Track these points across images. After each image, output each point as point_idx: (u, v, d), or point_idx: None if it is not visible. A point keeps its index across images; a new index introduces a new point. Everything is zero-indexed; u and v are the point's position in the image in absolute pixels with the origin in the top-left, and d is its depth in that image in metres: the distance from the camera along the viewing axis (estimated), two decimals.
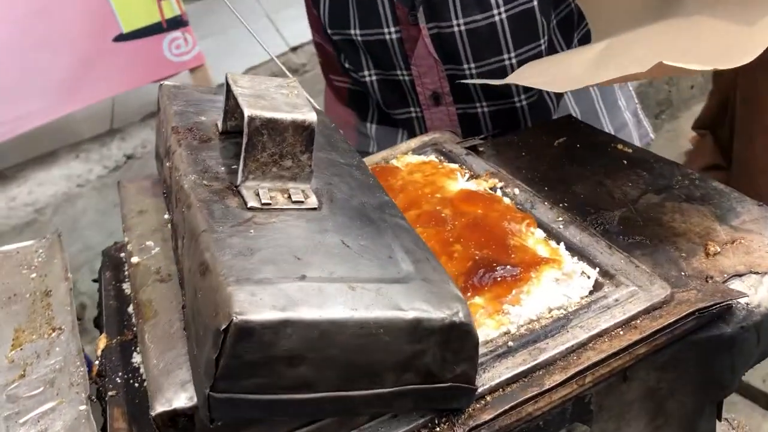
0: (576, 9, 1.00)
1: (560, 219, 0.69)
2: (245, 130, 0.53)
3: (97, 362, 0.65)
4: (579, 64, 0.79)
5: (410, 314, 0.47)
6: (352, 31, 0.97)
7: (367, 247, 0.52)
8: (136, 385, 0.61)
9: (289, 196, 0.54)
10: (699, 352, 0.58)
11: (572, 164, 0.83)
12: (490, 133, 0.93)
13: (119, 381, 0.62)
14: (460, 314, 0.49)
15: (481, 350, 0.55)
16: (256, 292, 0.44)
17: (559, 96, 1.05)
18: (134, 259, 0.61)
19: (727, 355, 0.58)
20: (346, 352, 0.46)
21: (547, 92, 1.03)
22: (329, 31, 1.01)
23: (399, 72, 1.00)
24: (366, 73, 1.02)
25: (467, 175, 0.79)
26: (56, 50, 2.11)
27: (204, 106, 0.67)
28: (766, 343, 0.60)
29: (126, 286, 0.74)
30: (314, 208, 0.54)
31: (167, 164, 0.61)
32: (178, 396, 0.47)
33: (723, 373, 0.60)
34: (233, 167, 0.57)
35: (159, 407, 0.46)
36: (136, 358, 0.64)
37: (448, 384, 0.50)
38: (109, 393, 0.60)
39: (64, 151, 2.26)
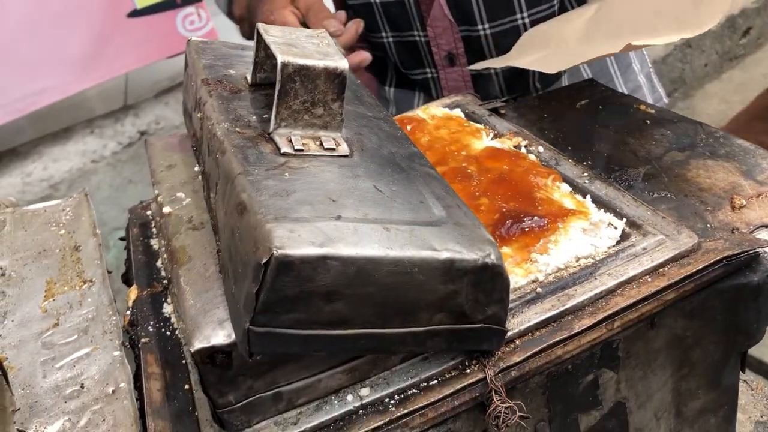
0: None
1: (585, 174, 0.70)
2: (278, 76, 0.53)
3: (128, 312, 0.66)
4: (571, 36, 0.80)
5: (443, 254, 0.48)
6: None
7: (399, 192, 0.53)
8: (168, 333, 0.62)
9: (321, 143, 0.55)
10: (726, 300, 0.58)
11: (594, 125, 0.83)
12: (512, 96, 0.93)
13: (151, 329, 0.63)
14: (492, 256, 0.49)
15: (510, 296, 0.56)
16: (294, 229, 0.44)
17: None
18: (166, 209, 0.62)
19: (753, 303, 0.59)
20: (382, 289, 0.46)
21: None
22: None
23: (415, 33, 1.01)
24: (383, 35, 1.03)
25: (492, 135, 0.80)
26: (71, 26, 2.12)
27: (232, 60, 0.68)
28: None
29: (153, 242, 0.75)
30: (346, 155, 0.55)
31: (198, 115, 0.62)
32: (216, 333, 0.48)
33: (749, 322, 0.60)
34: (264, 117, 0.58)
35: (198, 344, 0.47)
36: (167, 309, 0.65)
37: (480, 325, 0.51)
38: (142, 340, 0.62)
39: (79, 127, 2.28)
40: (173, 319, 0.64)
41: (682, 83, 2.68)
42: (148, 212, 0.80)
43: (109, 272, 0.71)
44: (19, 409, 0.55)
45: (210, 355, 0.48)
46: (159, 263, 0.71)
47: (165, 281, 0.68)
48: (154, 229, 0.77)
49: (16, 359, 0.60)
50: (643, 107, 0.85)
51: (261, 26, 0.59)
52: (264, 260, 0.43)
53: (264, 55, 0.62)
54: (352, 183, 0.52)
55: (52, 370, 0.59)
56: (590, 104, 0.88)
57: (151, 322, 0.64)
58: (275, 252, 0.42)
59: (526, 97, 0.94)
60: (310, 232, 0.45)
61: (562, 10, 1.00)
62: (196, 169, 0.66)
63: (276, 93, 0.54)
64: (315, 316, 0.45)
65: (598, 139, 0.80)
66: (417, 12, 0.98)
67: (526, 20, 0.97)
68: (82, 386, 0.57)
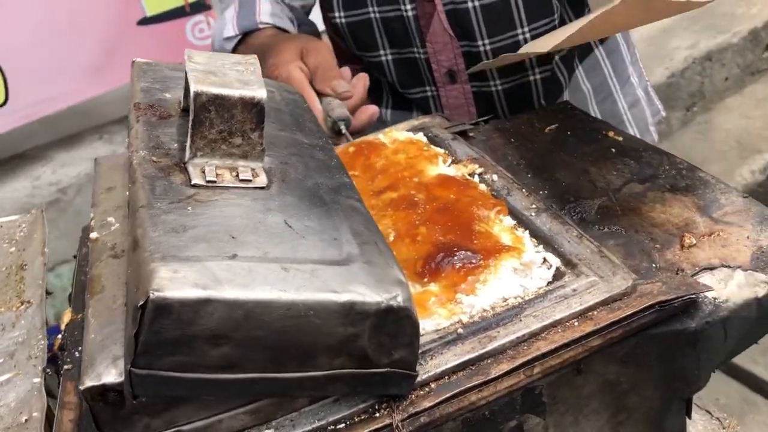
0: None
1: (533, 206, 0.67)
2: (191, 106, 0.52)
3: (59, 336, 0.65)
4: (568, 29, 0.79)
5: (344, 297, 0.46)
6: (370, 9, 0.97)
7: (311, 228, 0.51)
8: None
9: (237, 174, 0.54)
10: (661, 346, 0.56)
11: (560, 151, 0.81)
12: (482, 119, 0.90)
13: (77, 355, 0.62)
14: (399, 298, 0.47)
15: (431, 337, 0.54)
16: (179, 269, 0.43)
17: (571, 71, 1.04)
18: (93, 235, 0.61)
19: (691, 350, 0.56)
20: (274, 333, 0.45)
21: (559, 67, 1.02)
22: (342, 14, 1.00)
23: (415, 50, 0.99)
24: (381, 52, 1.01)
25: (449, 160, 0.77)
26: (82, 34, 2.14)
27: (171, 83, 0.67)
28: (735, 339, 0.57)
29: None
30: (262, 187, 0.54)
31: (126, 140, 0.61)
32: (108, 371, 0.47)
33: (688, 369, 0.57)
34: (185, 144, 0.57)
35: (88, 381, 0.46)
36: None
37: (386, 369, 0.49)
38: (65, 367, 0.61)
39: (89, 132, 2.30)
40: None
41: (701, 97, 2.62)
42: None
43: (49, 293, 0.70)
44: None
45: (101, 392, 0.46)
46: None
47: None
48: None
49: None
50: (611, 134, 0.82)
51: (187, 52, 0.58)
52: (141, 302, 0.41)
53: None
54: (261, 217, 0.50)
55: None
56: (560, 129, 0.85)
57: (79, 348, 0.63)
58: (152, 294, 0.41)
59: (497, 120, 0.91)
60: (197, 273, 0.43)
61: (562, 23, 0.99)
62: (127, 192, 0.65)
63: (190, 122, 0.53)
64: (200, 360, 0.44)
65: (560, 166, 0.77)
66: (416, 27, 0.97)
67: (527, 35, 0.95)
68: None
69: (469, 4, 0.94)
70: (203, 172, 0.53)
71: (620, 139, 0.81)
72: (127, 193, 0.65)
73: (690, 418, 0.62)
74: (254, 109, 0.53)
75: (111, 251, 0.59)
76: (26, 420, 0.56)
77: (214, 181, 0.52)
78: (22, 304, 0.69)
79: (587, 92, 1.08)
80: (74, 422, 0.55)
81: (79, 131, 2.30)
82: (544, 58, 1.00)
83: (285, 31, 1.03)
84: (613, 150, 0.79)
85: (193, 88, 0.52)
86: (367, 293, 0.47)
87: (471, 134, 0.87)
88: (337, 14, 1.00)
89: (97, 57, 2.18)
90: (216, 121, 0.53)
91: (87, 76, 2.18)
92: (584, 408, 0.57)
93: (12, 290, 0.71)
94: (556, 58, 1.02)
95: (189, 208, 0.49)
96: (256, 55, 0.60)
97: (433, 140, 0.83)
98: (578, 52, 1.05)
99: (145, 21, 2.16)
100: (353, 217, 0.54)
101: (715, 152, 2.42)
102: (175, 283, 0.42)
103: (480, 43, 0.97)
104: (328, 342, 0.46)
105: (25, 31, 2.03)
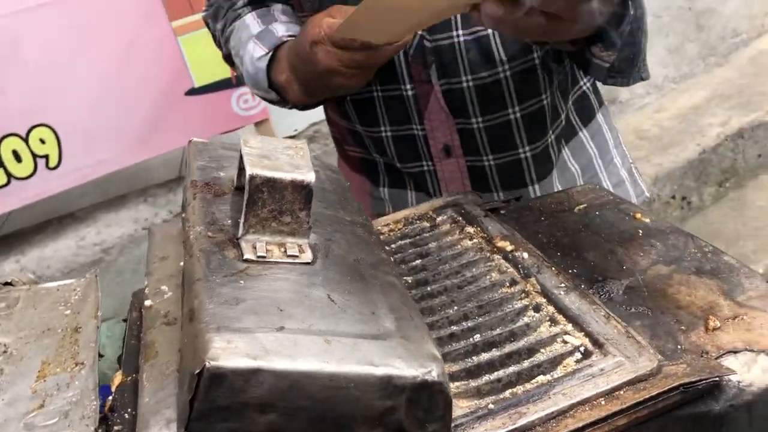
0: (570, 72, 1.08)
1: (563, 285, 0.70)
2: (247, 187, 0.57)
3: (109, 398, 0.69)
4: None
5: (381, 370, 0.49)
6: (374, 88, 1.04)
7: (351, 303, 0.55)
8: None
9: (285, 250, 0.58)
10: (686, 428, 0.57)
11: (588, 231, 0.84)
12: (513, 197, 0.94)
13: (127, 417, 0.65)
14: (434, 373, 0.50)
15: (462, 411, 0.57)
16: (232, 340, 0.47)
17: (559, 150, 1.11)
18: (147, 303, 0.66)
19: None
20: (317, 403, 0.48)
21: (550, 144, 1.08)
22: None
23: (413, 126, 1.06)
24: (382, 129, 1.08)
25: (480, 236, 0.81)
26: (133, 103, 2.25)
27: (225, 162, 0.72)
28: (761, 423, 0.59)
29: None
30: (308, 263, 0.58)
31: (183, 215, 0.66)
32: None
33: None
34: (239, 221, 0.61)
35: None
36: None
37: None
38: (115, 428, 0.64)
39: (134, 195, 2.39)
40: None
41: (734, 173, 2.63)
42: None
43: (101, 356, 0.74)
44: None
45: None
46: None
47: None
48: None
49: None
50: (638, 215, 0.85)
51: (243, 138, 0.63)
52: (197, 371, 0.45)
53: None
54: (306, 291, 0.54)
55: None
56: (588, 209, 0.89)
57: (129, 410, 0.66)
58: (208, 363, 0.45)
59: (528, 199, 0.95)
60: (248, 344, 0.47)
61: (552, 105, 1.06)
62: (181, 263, 0.70)
63: (245, 202, 0.57)
64: (249, 426, 0.47)
65: (588, 246, 0.80)
66: (415, 106, 1.03)
67: (518, 114, 1.02)
68: None
69: (464, 85, 1.01)
70: (254, 247, 0.57)
71: (647, 220, 0.84)
72: (182, 263, 0.70)
73: None
74: (303, 191, 0.58)
75: (164, 319, 0.63)
76: None
77: (264, 257, 0.57)
78: (77, 365, 0.73)
79: (575, 171, 1.14)
80: None
81: (124, 193, 2.40)
82: (537, 135, 1.06)
83: None
84: (640, 232, 0.82)
85: (248, 171, 0.57)
86: (403, 367, 0.50)
87: (502, 211, 0.91)
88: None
89: (146, 124, 2.28)
90: (268, 201, 0.58)
91: (136, 142, 2.28)
92: None
93: (67, 351, 0.75)
94: (551, 137, 1.08)
95: (241, 281, 0.53)
96: (305, 141, 0.65)
97: (466, 217, 0.87)
98: (564, 135, 1.12)
99: (193, 91, 2.26)
100: (390, 292, 0.58)
101: (749, 228, 2.42)
102: (229, 353, 0.46)
103: (474, 120, 1.03)
104: (367, 413, 0.49)
105: (81, 99, 2.15)
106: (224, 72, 2.24)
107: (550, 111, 1.06)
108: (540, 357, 0.62)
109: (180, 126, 2.35)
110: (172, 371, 0.56)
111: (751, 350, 0.60)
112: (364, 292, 0.56)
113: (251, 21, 1.09)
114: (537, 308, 0.68)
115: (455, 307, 0.70)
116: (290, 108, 1.10)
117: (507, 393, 0.58)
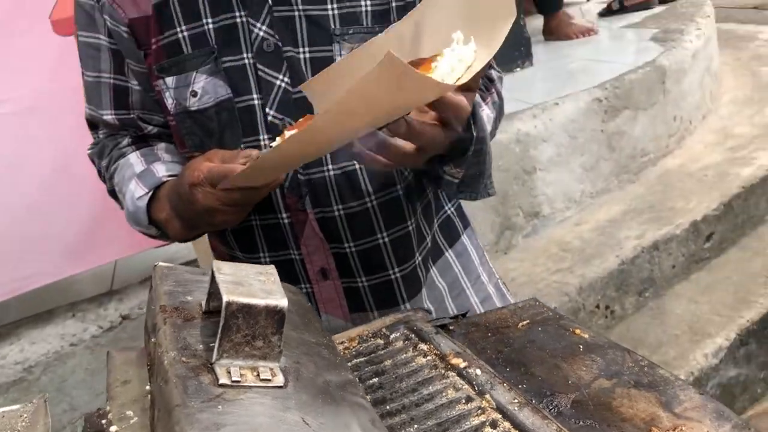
0: (433, 196, 1.20)
1: (516, 401, 0.74)
2: (222, 313, 0.59)
3: None
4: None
5: None
6: (252, 217, 1.12)
7: (325, 425, 0.57)
8: None
9: (258, 374, 0.60)
10: None
11: (533, 347, 0.89)
12: (460, 314, 0.99)
13: None
14: None
15: None
16: None
17: (427, 270, 1.20)
18: (113, 429, 0.66)
19: None
20: None
21: (418, 265, 1.18)
22: None
23: (291, 252, 1.14)
24: (261, 254, 1.16)
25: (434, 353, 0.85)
26: (66, 214, 2.23)
27: (191, 287, 0.74)
28: None
29: None
30: (280, 386, 0.60)
31: (152, 340, 0.67)
32: None
33: None
34: (211, 345, 0.63)
35: None
36: None
37: None
38: None
39: (62, 310, 2.33)
40: None
41: (651, 283, 2.79)
42: (103, 421, 0.83)
43: None
44: None
45: None
46: None
47: None
48: None
49: None
50: (578, 331, 0.91)
51: (215, 263, 0.66)
52: None
53: (216, 288, 0.69)
54: (281, 416, 0.56)
55: None
56: (531, 325, 0.94)
57: None
58: None
59: (473, 315, 1.00)
60: None
61: (418, 230, 1.16)
62: (147, 387, 0.70)
63: (220, 328, 0.60)
64: None
65: (534, 361, 0.85)
66: (292, 233, 1.11)
67: (386, 239, 1.13)
68: None
69: (336, 213, 1.10)
70: (229, 372, 0.59)
71: (586, 336, 0.90)
72: (147, 387, 0.70)
73: None
74: (276, 315, 0.61)
75: None
76: None
77: (239, 381, 0.59)
78: None
79: (443, 289, 1.24)
80: None
81: (51, 308, 2.33)
82: (405, 257, 1.16)
83: None
84: (581, 347, 0.88)
85: (225, 298, 0.59)
86: None
87: (451, 327, 0.95)
88: None
89: (78, 237, 2.25)
90: (242, 327, 0.60)
91: (67, 255, 2.24)
92: None
93: None
94: (418, 258, 1.17)
95: (219, 407, 0.55)
96: (273, 266, 0.69)
97: (418, 334, 0.91)
98: (431, 256, 1.22)
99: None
100: (360, 413, 0.61)
101: (669, 336, 2.54)
102: None
103: (346, 245, 1.13)
104: None
105: (10, 212, 2.12)
106: None
107: (416, 235, 1.16)
108: None
109: (114, 239, 2.33)
110: None
111: None
112: (335, 415, 0.59)
113: (135, 160, 1.16)
114: (494, 424, 0.71)
115: (415, 425, 0.72)
116: (171, 242, 1.15)
117: None
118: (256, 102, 1.05)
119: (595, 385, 0.79)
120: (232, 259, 1.20)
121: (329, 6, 1.03)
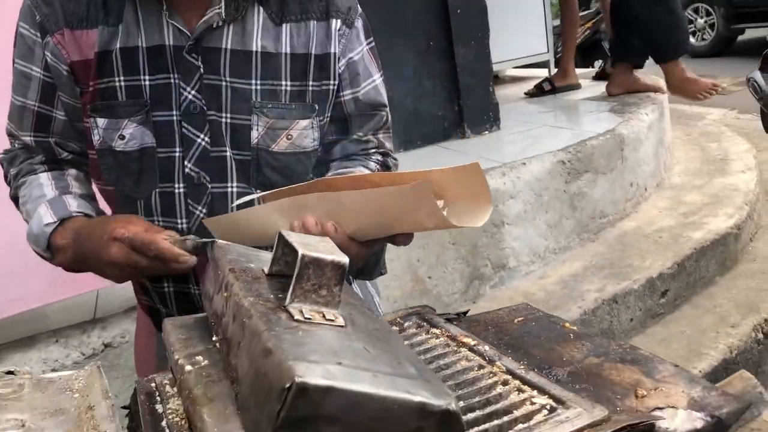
0: None
1: (522, 367, 0.87)
2: (297, 264, 0.72)
3: None
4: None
5: (417, 398, 0.63)
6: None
7: (381, 354, 0.69)
8: None
9: (324, 316, 0.72)
10: None
11: (530, 336, 1.02)
12: (462, 311, 1.13)
13: None
14: (453, 405, 0.65)
15: None
16: (309, 367, 0.60)
17: None
18: (188, 368, 0.76)
19: None
20: (369, 420, 0.61)
21: None
22: None
23: (190, 287, 1.24)
24: (165, 285, 1.25)
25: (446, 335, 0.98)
26: None
27: (251, 258, 0.87)
28: None
29: (158, 407, 0.87)
30: (342, 326, 0.72)
31: (224, 294, 0.79)
32: None
33: None
34: (280, 296, 0.75)
35: None
36: None
37: None
38: None
39: (44, 336, 2.36)
40: None
41: (611, 334, 2.95)
42: (152, 384, 0.92)
43: None
44: None
45: None
46: (163, 423, 0.83)
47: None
48: (158, 397, 0.89)
49: None
50: (567, 325, 1.05)
51: (283, 231, 0.79)
52: (287, 384, 0.58)
53: (281, 253, 0.81)
54: (348, 343, 0.69)
55: None
56: (526, 321, 1.08)
57: None
58: (296, 379, 0.58)
59: (474, 315, 1.14)
60: (321, 369, 0.61)
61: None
62: (214, 338, 0.81)
63: (294, 276, 0.72)
64: None
65: (531, 346, 0.99)
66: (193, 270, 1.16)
67: None
68: None
69: None
70: (301, 312, 0.71)
71: (575, 328, 1.04)
72: (214, 338, 0.81)
73: None
74: (339, 269, 0.74)
75: (208, 378, 0.74)
76: None
77: (310, 319, 0.71)
78: None
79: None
80: None
81: (33, 334, 2.35)
82: None
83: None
84: (571, 335, 1.02)
85: (300, 251, 0.72)
86: (432, 398, 0.64)
87: (454, 322, 1.08)
88: None
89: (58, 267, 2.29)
90: (312, 276, 0.73)
91: (50, 282, 2.27)
92: None
93: (87, 425, 0.82)
94: None
95: (300, 332, 0.67)
96: (328, 238, 0.82)
97: (429, 322, 1.04)
98: None
99: None
100: (406, 352, 0.73)
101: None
102: (310, 373, 0.59)
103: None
104: (403, 430, 0.63)
105: None
106: None
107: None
108: (515, 414, 0.77)
109: None
110: (231, 412, 0.67)
111: (673, 407, 0.79)
112: (388, 349, 0.71)
113: (45, 181, 1.22)
114: (505, 382, 0.84)
115: None
116: (56, 265, 1.22)
117: None
118: (177, 154, 1.16)
119: (587, 362, 0.93)
120: (141, 286, 1.28)
121: (253, 81, 1.16)
